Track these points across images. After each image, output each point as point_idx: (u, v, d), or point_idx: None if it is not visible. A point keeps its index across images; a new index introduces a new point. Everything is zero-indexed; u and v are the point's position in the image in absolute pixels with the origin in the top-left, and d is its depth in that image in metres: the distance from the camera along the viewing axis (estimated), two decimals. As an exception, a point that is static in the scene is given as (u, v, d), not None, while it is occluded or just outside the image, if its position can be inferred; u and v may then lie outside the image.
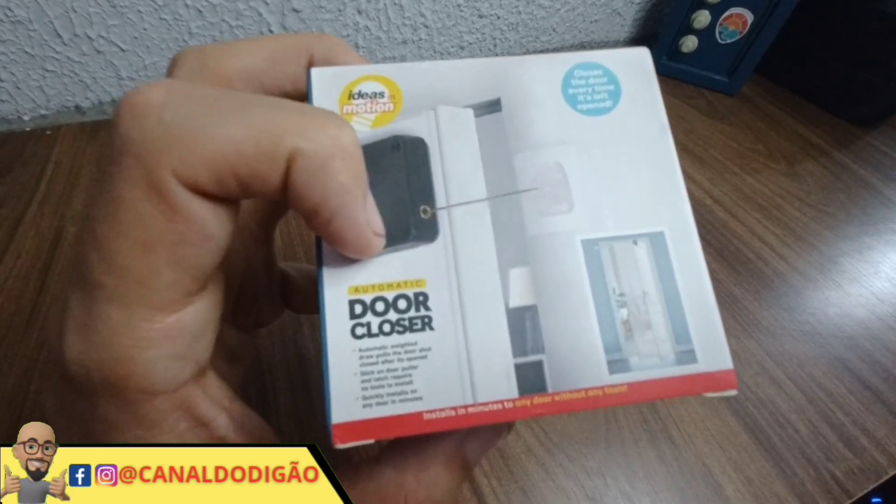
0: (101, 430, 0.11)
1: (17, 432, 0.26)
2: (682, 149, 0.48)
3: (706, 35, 0.54)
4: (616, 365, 0.12)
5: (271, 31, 0.45)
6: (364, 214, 0.11)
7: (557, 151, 0.13)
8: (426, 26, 0.51)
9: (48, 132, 0.42)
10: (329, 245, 0.12)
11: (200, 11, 0.42)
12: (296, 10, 0.45)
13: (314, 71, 0.13)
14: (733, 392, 0.12)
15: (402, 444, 0.13)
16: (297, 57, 0.13)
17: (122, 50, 0.42)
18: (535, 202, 0.13)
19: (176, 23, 0.42)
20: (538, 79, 0.14)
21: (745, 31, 0.52)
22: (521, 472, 0.25)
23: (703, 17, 0.52)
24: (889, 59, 0.50)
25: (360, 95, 0.13)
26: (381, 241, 0.12)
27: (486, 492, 0.24)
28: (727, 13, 0.52)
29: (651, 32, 0.64)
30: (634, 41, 0.65)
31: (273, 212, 0.17)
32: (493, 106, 0.13)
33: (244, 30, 0.44)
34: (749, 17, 0.51)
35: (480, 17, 0.53)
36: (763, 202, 0.43)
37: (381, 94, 0.13)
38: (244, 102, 0.10)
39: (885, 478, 0.27)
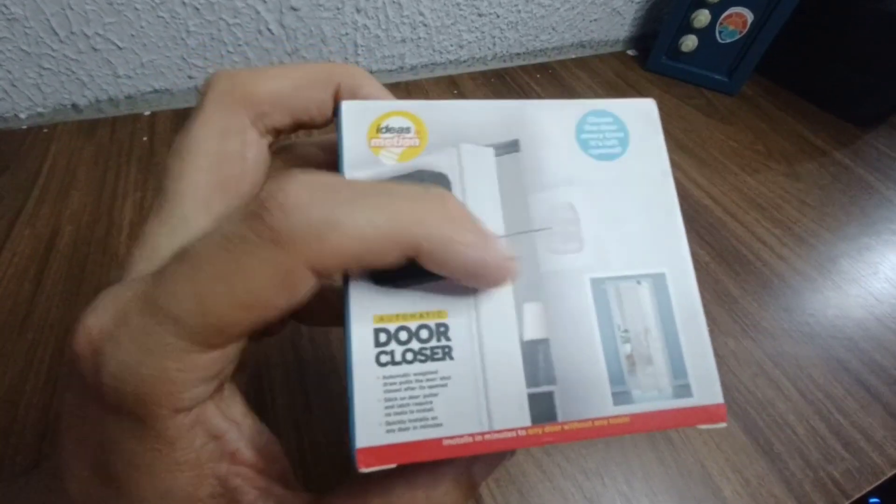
0: (120, 441, 0.11)
1: (14, 430, 0.25)
2: (682, 148, 0.48)
3: (706, 34, 0.54)
4: (620, 397, 0.13)
5: (269, 30, 0.45)
6: (492, 256, 0.12)
7: (570, 192, 0.14)
8: (425, 25, 0.51)
9: (45, 130, 0.42)
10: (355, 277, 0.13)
11: (198, 9, 0.42)
12: (294, 9, 0.45)
13: (345, 104, 0.14)
14: (723, 425, 0.13)
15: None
16: (325, 85, 0.14)
17: (119, 48, 0.42)
18: (548, 240, 0.14)
19: (173, 20, 0.41)
20: (554, 123, 0.15)
21: (745, 30, 0.52)
22: (518, 473, 0.25)
23: (702, 17, 0.52)
24: (889, 58, 0.50)
25: (388, 130, 0.14)
26: (515, 263, 0.12)
27: (484, 493, 0.24)
28: (727, 12, 0.52)
29: (651, 31, 0.64)
30: (634, 40, 0.64)
31: None
32: (512, 146, 0.14)
33: (242, 27, 0.44)
34: (749, 16, 0.51)
35: (480, 15, 0.53)
36: (762, 202, 0.43)
37: (408, 130, 0.14)
38: (367, 193, 0.11)
39: (883, 479, 0.27)
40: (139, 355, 0.10)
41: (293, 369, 0.28)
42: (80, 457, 0.12)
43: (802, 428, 0.28)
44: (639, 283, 0.14)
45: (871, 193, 0.46)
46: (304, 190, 0.10)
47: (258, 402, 0.27)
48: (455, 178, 0.14)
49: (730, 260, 0.38)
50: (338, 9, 0.46)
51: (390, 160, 0.13)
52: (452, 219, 0.11)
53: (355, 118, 0.14)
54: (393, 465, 0.11)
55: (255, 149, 0.14)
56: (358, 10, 0.47)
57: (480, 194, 0.14)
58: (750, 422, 0.28)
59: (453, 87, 0.53)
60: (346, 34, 0.48)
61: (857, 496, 0.26)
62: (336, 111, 0.14)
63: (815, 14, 0.52)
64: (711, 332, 0.33)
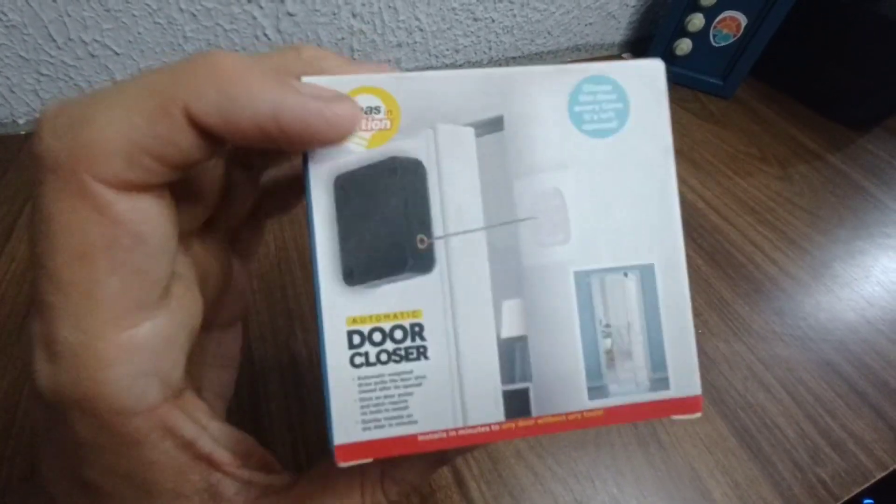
0: (86, 453, 0.11)
1: (12, 433, 0.26)
2: (676, 152, 0.48)
3: (700, 38, 0.54)
4: (595, 391, 0.13)
5: (266, 35, 0.45)
6: (295, 99, 0.10)
7: (558, 177, 0.13)
8: (421, 29, 0.51)
9: (43, 135, 0.42)
10: (325, 269, 0.12)
11: (195, 15, 0.42)
12: (290, 14, 0.45)
13: (306, 81, 0.12)
14: (698, 415, 0.13)
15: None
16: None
17: (117, 54, 0.42)
18: (533, 231, 0.13)
19: (170, 26, 0.42)
20: (544, 95, 0.13)
21: (739, 34, 0.52)
22: (510, 475, 0.26)
23: (697, 21, 0.52)
24: (883, 62, 0.50)
25: None
26: (348, 102, 0.11)
27: (476, 496, 0.25)
28: (721, 16, 0.52)
29: (646, 35, 0.64)
30: (629, 44, 0.65)
31: (239, 224, 0.17)
32: (496, 124, 0.13)
33: (238, 33, 0.44)
34: (743, 20, 0.51)
35: (475, 20, 0.53)
36: (755, 206, 0.44)
37: (378, 110, 0.12)
38: (124, 82, 0.10)
39: (872, 481, 0.27)
40: (55, 359, 0.10)
41: (287, 373, 0.29)
42: (58, 468, 0.13)
43: (792, 430, 0.29)
44: (625, 275, 0.13)
45: (864, 197, 0.46)
46: (54, 107, 0.10)
47: (252, 407, 0.27)
48: (431, 164, 0.13)
49: (722, 263, 0.38)
50: (334, 14, 0.46)
51: (359, 147, 0.12)
52: (222, 72, 0.10)
53: None
54: (370, 460, 0.12)
55: (155, 219, 0.11)
56: (354, 15, 0.47)
57: (458, 181, 0.13)
58: (740, 424, 0.29)
59: (449, 91, 0.54)
60: (343, 39, 0.49)
61: (845, 498, 0.26)
62: None
63: (808, 18, 0.52)
64: (703, 335, 0.33)
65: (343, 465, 0.12)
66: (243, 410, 0.27)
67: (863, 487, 0.27)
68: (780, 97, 0.57)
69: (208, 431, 0.13)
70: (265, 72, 0.10)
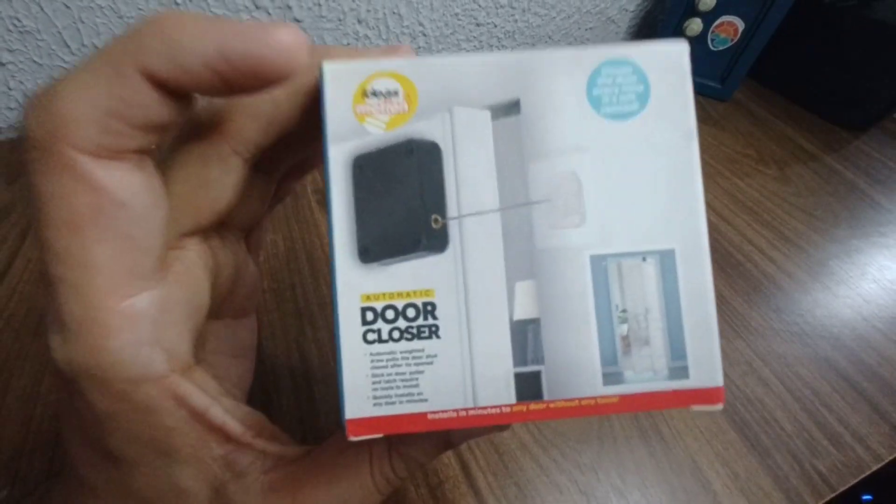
0: (106, 422, 0.12)
1: (31, 429, 0.26)
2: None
3: (699, 42, 0.55)
4: (611, 377, 0.13)
5: (273, 40, 0.46)
6: (243, 28, 0.10)
7: (574, 159, 0.13)
8: (424, 35, 0.52)
9: (55, 139, 0.43)
10: (341, 247, 0.12)
11: (204, 21, 0.43)
12: (297, 20, 0.46)
13: (327, 66, 0.12)
14: (719, 407, 0.13)
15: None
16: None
17: (128, 59, 0.43)
18: (547, 214, 0.13)
19: (180, 32, 0.43)
20: (563, 78, 0.13)
21: (737, 38, 0.53)
22: (516, 467, 0.26)
23: (695, 25, 0.54)
24: (878, 64, 0.51)
25: (374, 94, 0.13)
26: (289, 27, 0.11)
27: (482, 486, 0.25)
28: (719, 21, 0.53)
29: (645, 39, 0.65)
30: (629, 47, 0.66)
31: (248, 222, 0.17)
32: (512, 108, 0.13)
33: (247, 39, 0.45)
34: (740, 24, 0.52)
35: (478, 25, 0.54)
36: (753, 206, 0.44)
37: (396, 93, 0.13)
38: (86, 59, 0.11)
39: (868, 472, 0.28)
40: (64, 331, 0.11)
41: (298, 370, 0.29)
42: (82, 443, 0.13)
43: (790, 424, 0.29)
44: (644, 259, 0.13)
45: (860, 196, 0.47)
46: (35, 93, 0.10)
47: (263, 403, 0.28)
48: (447, 146, 0.13)
49: (721, 262, 0.39)
50: (339, 20, 0.47)
51: (377, 129, 0.12)
52: (167, 24, 0.10)
53: (339, 81, 0.12)
54: (380, 435, 0.12)
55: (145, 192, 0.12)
56: (359, 21, 0.48)
57: (474, 163, 0.13)
58: (739, 418, 0.29)
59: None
60: (348, 44, 0.50)
61: (841, 489, 0.27)
62: (320, 76, 0.12)
63: (805, 22, 0.53)
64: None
65: (354, 439, 0.12)
66: (254, 406, 0.28)
67: (858, 479, 0.27)
68: (778, 99, 0.58)
69: (221, 404, 0.13)
70: (209, 18, 0.10)
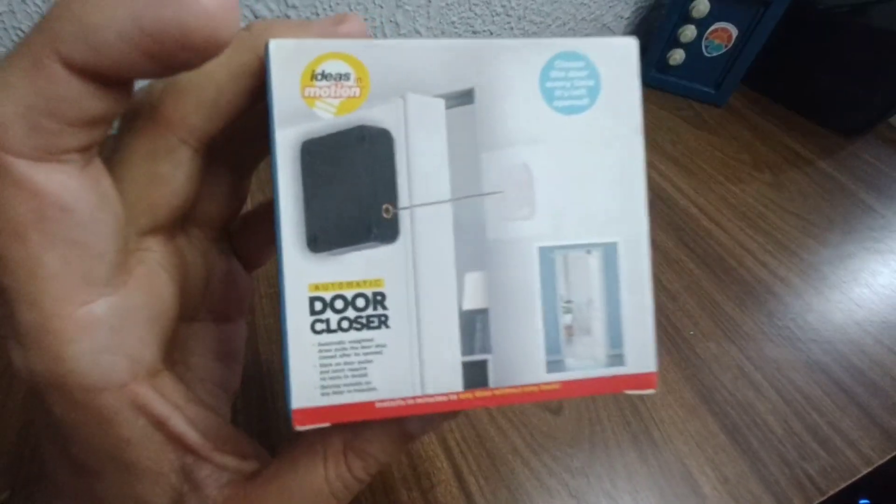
0: (69, 432, 0.12)
1: (30, 433, 0.27)
2: (670, 158, 0.50)
3: (693, 48, 0.55)
4: (554, 365, 0.13)
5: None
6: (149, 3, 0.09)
7: (526, 152, 0.13)
8: (421, 42, 0.53)
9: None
10: (288, 235, 0.12)
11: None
12: (295, 29, 0.47)
13: (273, 44, 0.12)
14: (651, 391, 0.13)
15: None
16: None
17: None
18: (498, 205, 0.13)
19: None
20: (516, 68, 0.13)
21: (730, 44, 0.54)
22: (507, 471, 0.27)
23: (689, 32, 0.54)
24: (872, 70, 0.51)
25: (324, 76, 0.12)
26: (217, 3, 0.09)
27: (474, 490, 0.26)
28: (712, 28, 0.54)
29: (640, 46, 0.66)
30: (625, 54, 0.66)
31: (223, 216, 0.16)
32: (466, 97, 0.13)
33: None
34: (734, 31, 0.53)
35: (474, 33, 0.55)
36: (747, 211, 0.45)
37: (347, 76, 0.12)
38: (5, 56, 0.10)
39: (858, 476, 0.28)
40: (21, 341, 0.10)
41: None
42: (54, 451, 0.13)
43: (780, 428, 0.30)
44: (588, 252, 0.13)
45: (853, 202, 0.47)
46: None
47: (259, 405, 0.28)
48: (399, 133, 0.12)
49: (714, 267, 0.39)
50: (337, 28, 0.48)
51: (327, 113, 0.12)
52: (78, 6, 0.09)
53: (286, 61, 0.12)
54: (327, 425, 0.12)
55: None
56: (356, 30, 0.49)
57: (426, 152, 0.13)
58: (730, 422, 0.30)
59: (449, 101, 0.55)
60: (345, 52, 0.50)
61: (831, 493, 0.27)
62: (265, 54, 0.12)
63: (798, 27, 0.54)
64: (694, 336, 0.34)
65: (300, 428, 0.12)
66: (251, 409, 0.28)
67: (848, 482, 0.28)
68: (772, 105, 0.59)
69: (184, 413, 0.13)
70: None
